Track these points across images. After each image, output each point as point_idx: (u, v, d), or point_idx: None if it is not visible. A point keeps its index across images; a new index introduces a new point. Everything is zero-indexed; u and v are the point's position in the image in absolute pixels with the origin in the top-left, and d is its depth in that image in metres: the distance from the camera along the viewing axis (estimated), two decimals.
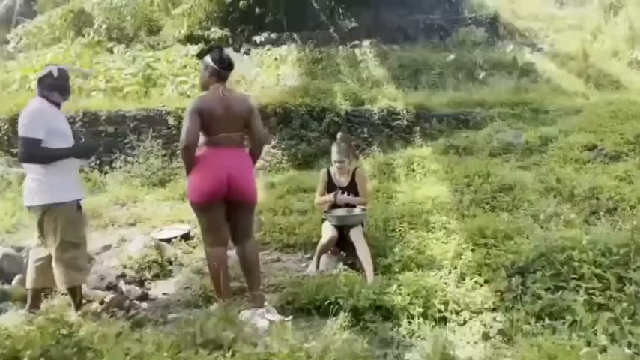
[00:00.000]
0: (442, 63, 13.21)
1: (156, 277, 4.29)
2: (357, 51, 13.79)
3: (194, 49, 12.40)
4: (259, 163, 8.64)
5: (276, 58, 13.10)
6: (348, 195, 4.52)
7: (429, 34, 15.71)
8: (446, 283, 3.69)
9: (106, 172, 8.46)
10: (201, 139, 3.47)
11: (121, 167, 8.47)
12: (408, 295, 3.39)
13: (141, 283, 4.11)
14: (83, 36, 15.13)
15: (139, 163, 8.43)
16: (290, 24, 14.91)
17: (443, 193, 5.83)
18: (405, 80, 12.57)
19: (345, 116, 9.52)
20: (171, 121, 8.89)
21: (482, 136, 8.46)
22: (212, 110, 3.40)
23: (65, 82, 3.70)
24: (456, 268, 3.92)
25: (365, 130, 9.49)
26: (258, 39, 14.17)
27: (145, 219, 5.92)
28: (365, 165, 7.92)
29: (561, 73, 13.32)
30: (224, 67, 3.53)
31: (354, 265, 4.25)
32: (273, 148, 9.05)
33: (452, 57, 13.23)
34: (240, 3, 14.48)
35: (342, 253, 4.45)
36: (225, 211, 3.51)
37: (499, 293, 3.43)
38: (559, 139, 7.75)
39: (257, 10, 14.91)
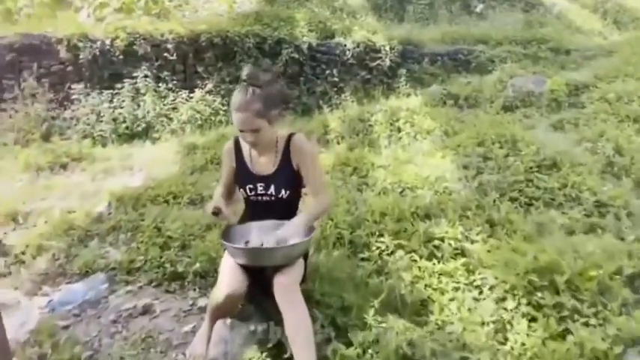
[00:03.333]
0: None
1: None
2: None
3: None
4: (183, 113, 6.29)
5: None
6: (277, 193, 2.15)
7: None
8: None
9: None
10: None
11: None
12: None
13: None
14: None
15: (16, 112, 5.99)
16: None
17: (447, 172, 3.64)
18: (387, 12, 10.28)
19: (309, 52, 7.17)
20: (64, 52, 6.35)
21: (490, 82, 6.38)
22: None
23: None
24: (496, 352, 1.78)
25: (334, 71, 7.22)
26: None
27: None
28: (331, 120, 5.65)
29: (574, 8, 11.16)
30: None
31: (281, 347, 2.02)
32: (209, 93, 6.64)
33: None
34: None
35: (251, 327, 2.06)
36: None
37: None
38: (599, 88, 5.64)
39: None
